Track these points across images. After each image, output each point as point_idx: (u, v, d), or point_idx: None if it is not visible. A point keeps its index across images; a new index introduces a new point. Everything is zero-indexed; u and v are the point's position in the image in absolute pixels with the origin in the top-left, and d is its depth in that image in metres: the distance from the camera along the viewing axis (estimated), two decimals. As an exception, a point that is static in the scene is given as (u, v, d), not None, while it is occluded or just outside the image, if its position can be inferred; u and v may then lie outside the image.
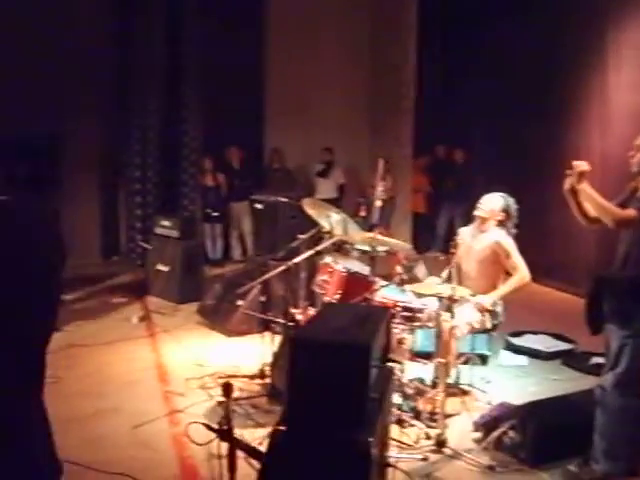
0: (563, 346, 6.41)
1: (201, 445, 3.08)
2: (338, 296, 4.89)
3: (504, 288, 5.14)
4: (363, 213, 5.61)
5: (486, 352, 5.97)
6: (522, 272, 5.12)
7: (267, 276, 5.21)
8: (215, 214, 10.09)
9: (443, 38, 10.67)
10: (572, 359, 6.15)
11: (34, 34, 9.14)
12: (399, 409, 4.75)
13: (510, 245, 5.16)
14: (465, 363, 5.40)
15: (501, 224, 5.23)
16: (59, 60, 9.55)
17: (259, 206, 7.83)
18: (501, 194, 5.32)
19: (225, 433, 2.60)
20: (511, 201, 5.29)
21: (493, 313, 5.16)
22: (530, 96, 9.12)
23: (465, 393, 5.20)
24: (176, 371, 5.89)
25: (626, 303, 3.74)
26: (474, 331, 5.12)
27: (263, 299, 5.95)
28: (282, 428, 2.45)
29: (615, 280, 3.80)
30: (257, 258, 7.31)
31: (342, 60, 11.10)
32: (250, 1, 10.78)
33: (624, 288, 3.74)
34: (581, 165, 3.71)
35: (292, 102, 10.92)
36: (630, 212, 3.64)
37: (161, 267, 8.22)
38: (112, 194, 10.60)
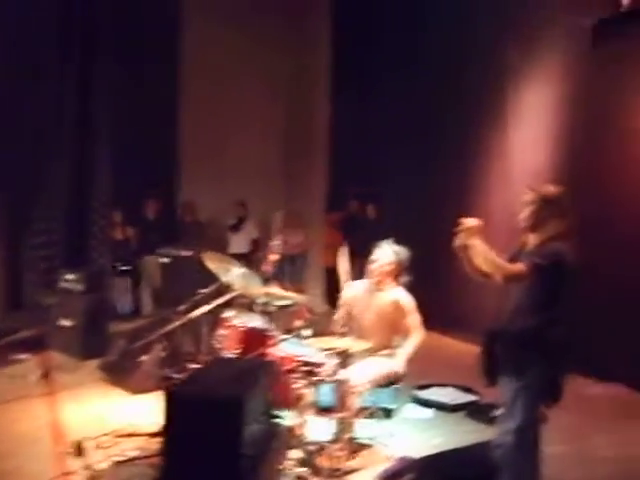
0: (467, 398, 6.45)
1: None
2: (237, 350, 4.82)
3: (408, 350, 5.15)
4: (267, 267, 5.58)
5: (390, 405, 5.98)
6: (421, 331, 5.15)
7: (163, 330, 5.10)
8: (124, 268, 9.89)
9: (356, 93, 10.82)
10: (476, 411, 6.20)
11: None
12: (300, 465, 4.68)
13: (410, 304, 5.20)
14: (369, 417, 5.39)
15: (395, 278, 5.26)
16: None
17: (165, 260, 7.72)
18: (392, 245, 5.34)
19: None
20: (402, 251, 5.32)
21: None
22: (433, 153, 9.33)
23: (367, 448, 5.15)
24: (74, 430, 5.66)
25: (517, 355, 3.79)
26: (377, 385, 5.10)
27: (163, 354, 5.80)
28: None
29: (506, 332, 3.85)
30: (160, 312, 7.18)
31: (258, 110, 11.18)
32: (164, 50, 10.76)
33: (515, 340, 3.79)
34: (469, 221, 3.79)
35: (206, 154, 10.91)
36: (518, 267, 3.73)
37: (64, 322, 7.98)
38: (16, 247, 10.27)
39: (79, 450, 2.60)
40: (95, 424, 5.73)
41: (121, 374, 6.80)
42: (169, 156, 10.97)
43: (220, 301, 4.87)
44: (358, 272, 10.71)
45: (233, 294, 4.97)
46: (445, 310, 9.16)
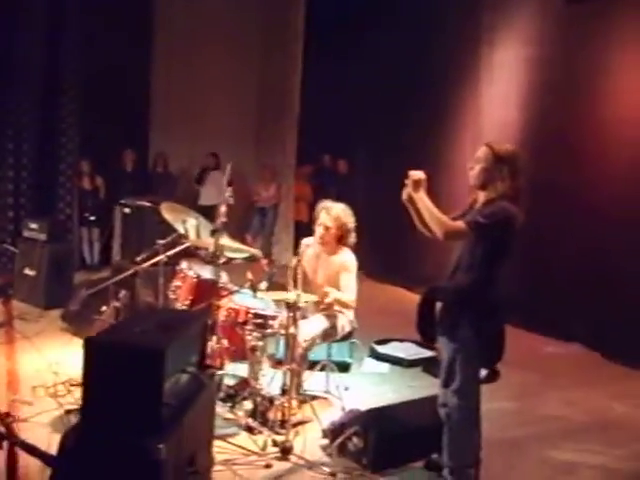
0: (425, 354, 6.49)
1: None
2: (188, 302, 4.82)
3: (339, 294, 5.07)
4: (224, 219, 5.54)
5: (346, 359, 6.03)
6: (351, 295, 5.10)
7: (112, 280, 5.08)
8: (92, 218, 9.82)
9: (328, 47, 10.70)
10: (432, 366, 6.22)
11: None
12: (250, 416, 4.73)
13: (353, 267, 5.16)
14: (322, 370, 5.43)
15: (340, 240, 5.21)
16: None
17: (127, 210, 7.66)
18: (334, 206, 5.23)
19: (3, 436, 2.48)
20: (344, 213, 5.21)
21: (347, 320, 5.17)
22: (406, 108, 9.29)
23: (318, 400, 5.19)
24: (28, 379, 5.67)
25: (452, 314, 3.74)
26: (327, 339, 5.11)
27: (118, 305, 5.78)
28: (73, 431, 2.35)
29: (443, 289, 3.80)
30: (120, 262, 7.14)
31: (230, 66, 11.07)
32: (138, 8, 10.59)
33: (450, 298, 3.75)
34: (417, 174, 3.68)
35: (179, 106, 10.83)
36: (459, 224, 3.62)
37: (28, 271, 7.94)
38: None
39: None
40: (49, 373, 5.73)
41: (81, 324, 6.78)
42: (142, 110, 10.84)
43: (173, 252, 4.83)
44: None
45: (185, 245, 4.94)
46: (413, 266, 9.21)
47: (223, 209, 4.73)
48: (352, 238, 5.23)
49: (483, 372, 6.09)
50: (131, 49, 10.35)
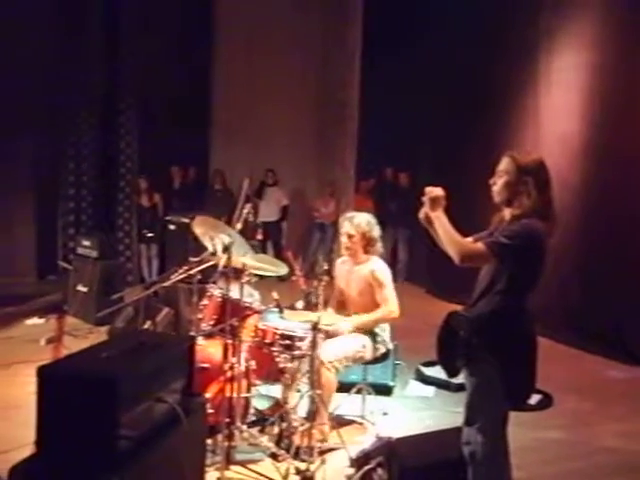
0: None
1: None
2: (212, 321, 4.69)
3: (365, 317, 4.86)
4: (259, 236, 5.41)
5: (388, 382, 5.78)
6: (390, 306, 4.86)
7: (136, 298, 4.98)
8: (150, 234, 9.87)
9: (388, 60, 10.50)
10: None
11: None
12: (275, 442, 4.55)
13: (384, 276, 4.94)
14: (357, 393, 5.20)
15: (365, 249, 5.02)
16: (5, 79, 9.41)
17: (171, 227, 7.63)
18: (357, 216, 5.09)
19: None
20: (366, 222, 5.03)
21: (377, 341, 4.94)
22: (468, 120, 9.01)
23: (354, 425, 4.98)
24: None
25: (473, 345, 3.31)
26: (359, 361, 4.88)
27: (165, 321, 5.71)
28: (23, 465, 2.21)
29: (462, 318, 3.39)
30: (152, 280, 7.10)
31: (289, 81, 11.01)
32: (197, 20, 10.67)
33: (470, 327, 3.32)
34: (434, 191, 3.35)
35: (238, 124, 10.80)
36: (478, 246, 3.26)
37: (80, 287, 8.01)
38: (49, 213, 10.39)
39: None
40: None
41: (126, 341, 6.77)
42: (201, 125, 10.89)
43: (199, 269, 4.69)
44: (391, 240, 10.60)
45: (210, 263, 4.80)
46: (471, 283, 8.86)
47: (239, 226, 4.58)
48: (378, 247, 5.03)
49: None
50: (190, 68, 10.44)
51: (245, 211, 4.57)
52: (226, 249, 4.23)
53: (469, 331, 3.32)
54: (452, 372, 3.50)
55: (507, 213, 3.41)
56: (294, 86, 11.09)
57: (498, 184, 3.41)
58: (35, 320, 7.99)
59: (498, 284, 3.33)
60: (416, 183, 10.60)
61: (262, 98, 10.88)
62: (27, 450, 4.35)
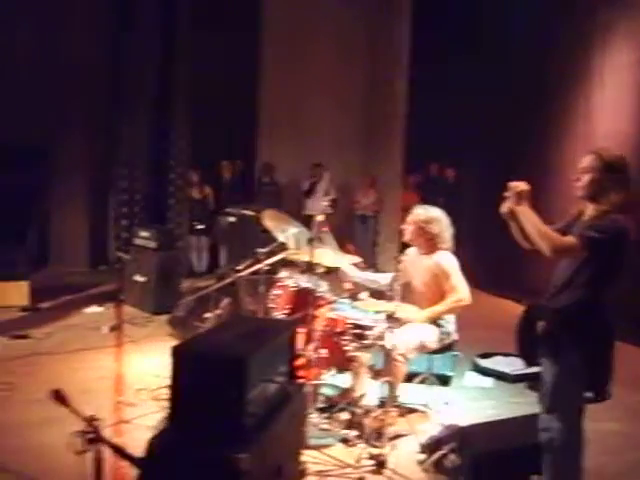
0: (530, 369, 6.26)
1: (79, 454, 2.97)
2: (286, 310, 4.84)
3: (439, 307, 4.97)
4: (325, 228, 5.54)
5: (447, 372, 5.90)
6: (459, 293, 4.95)
7: (210, 288, 5.16)
8: (200, 227, 10.07)
9: (437, 55, 10.59)
10: (537, 383, 6.00)
11: (27, 44, 9.24)
12: (346, 427, 4.70)
13: (450, 266, 5.03)
14: (422, 382, 5.33)
15: (429, 241, 5.11)
16: (51, 70, 9.65)
17: (232, 219, 7.80)
18: (421, 208, 5.18)
19: (94, 438, 2.54)
20: (427, 214, 5.12)
21: (442, 332, 5.06)
22: (517, 115, 9.06)
23: (416, 413, 5.11)
24: (133, 382, 5.84)
25: (556, 336, 3.46)
26: (425, 350, 5.01)
27: (220, 312, 5.87)
28: (159, 438, 2.38)
29: (544, 309, 3.52)
30: (223, 270, 7.27)
31: (336, 76, 11.11)
32: (245, 15, 10.82)
33: (556, 318, 3.46)
34: (519, 185, 3.47)
35: (285, 117, 10.94)
36: (569, 239, 3.37)
37: (138, 277, 8.21)
38: (101, 204, 10.64)
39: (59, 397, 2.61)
40: (156, 377, 5.88)
41: (187, 330, 6.94)
42: (249, 119, 11.04)
43: (271, 260, 4.86)
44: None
45: (283, 254, 4.96)
46: (521, 278, 8.96)
47: (320, 218, 4.72)
48: (444, 241, 5.10)
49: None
50: (239, 61, 10.60)
51: (325, 204, 4.71)
52: (311, 240, 4.35)
53: (553, 322, 3.46)
54: (531, 361, 3.65)
55: (591, 208, 3.51)
56: (341, 81, 11.19)
57: (583, 180, 3.51)
58: (94, 308, 8.20)
59: (581, 277, 3.44)
60: (463, 179, 10.72)
61: (308, 93, 11.01)
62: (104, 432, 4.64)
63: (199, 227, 10.08)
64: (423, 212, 5.16)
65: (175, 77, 9.95)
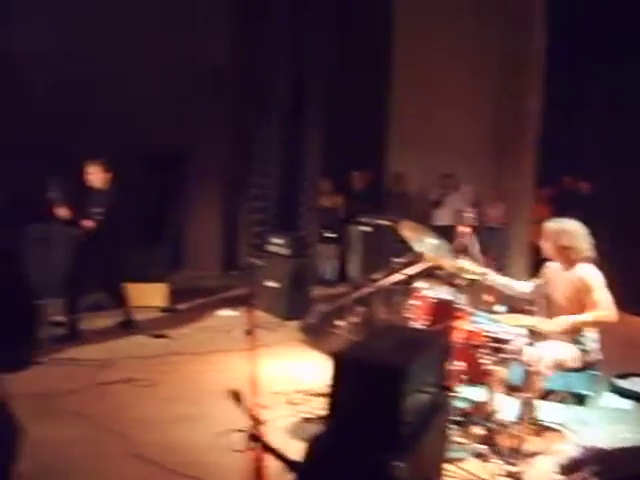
0: (672, 393, 6.01)
1: (240, 452, 3.08)
2: (425, 321, 4.84)
3: (582, 317, 4.81)
4: (468, 239, 5.52)
5: (585, 392, 5.72)
6: (602, 310, 4.80)
7: (349, 298, 5.21)
8: (331, 235, 10.20)
9: (570, 69, 10.34)
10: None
11: (164, 51, 9.67)
12: (481, 442, 4.65)
13: (593, 279, 4.87)
14: (560, 401, 5.21)
15: (567, 255, 4.97)
16: (187, 77, 10.04)
17: (366, 229, 7.87)
18: (557, 221, 5.05)
19: (256, 438, 2.63)
20: (561, 227, 4.98)
21: (582, 350, 4.92)
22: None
23: (553, 432, 4.99)
24: (267, 385, 5.98)
25: None
26: (565, 368, 4.90)
27: (357, 320, 5.94)
28: (317, 443, 2.45)
29: None
30: (358, 280, 7.34)
31: (467, 86, 10.97)
32: (377, 23, 10.89)
33: None
34: None
35: (415, 128, 10.92)
36: None
37: (270, 283, 8.40)
38: (234, 211, 10.97)
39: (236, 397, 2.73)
40: (289, 381, 6.01)
41: (318, 336, 7.06)
42: (378, 128, 11.10)
43: (411, 271, 4.88)
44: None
45: (423, 265, 4.97)
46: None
47: (465, 230, 4.70)
48: (582, 252, 4.95)
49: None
50: (370, 72, 10.69)
51: (469, 215, 4.69)
52: (461, 251, 4.35)
53: None
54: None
55: None
56: (471, 93, 11.06)
57: None
58: (228, 312, 8.46)
59: None
60: (598, 192, 10.40)
61: (439, 104, 10.94)
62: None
63: (329, 235, 10.21)
64: (556, 225, 5.05)
65: (308, 88, 10.12)
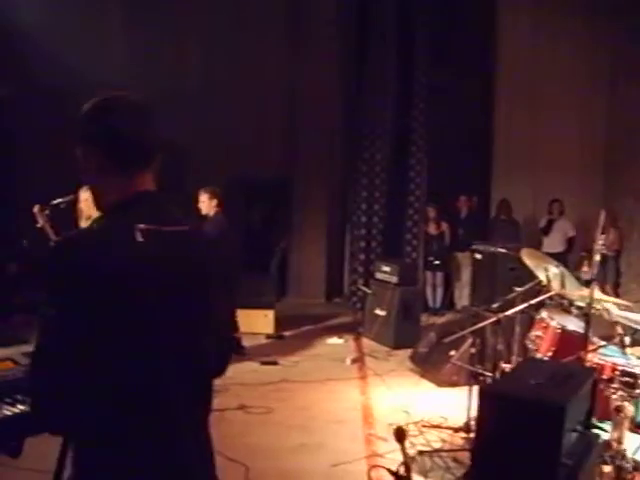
0: None
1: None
2: (551, 353, 4.65)
3: None
4: (585, 268, 5.31)
5: None
6: None
7: (474, 327, 5.06)
8: (437, 262, 10.05)
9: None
10: None
11: (273, 82, 9.82)
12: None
13: None
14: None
15: None
16: (291, 105, 10.16)
17: (478, 256, 7.68)
18: None
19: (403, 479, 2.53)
20: None
21: None
22: None
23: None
24: (381, 415, 5.89)
25: None
26: None
27: (473, 351, 5.76)
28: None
29: None
30: (471, 308, 7.15)
31: (575, 111, 10.70)
32: (479, 48, 10.76)
33: None
34: None
35: (521, 152, 10.72)
36: None
37: (379, 311, 8.31)
38: (338, 238, 10.96)
39: (400, 435, 2.61)
40: (401, 412, 5.89)
41: (430, 366, 6.90)
42: (484, 155, 10.93)
43: (537, 300, 4.70)
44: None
45: (550, 294, 4.78)
46: None
47: (597, 258, 4.49)
48: None
49: None
50: (473, 98, 10.57)
51: (601, 243, 4.49)
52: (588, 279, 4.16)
53: None
54: None
55: None
56: (580, 117, 10.77)
57: None
58: (335, 339, 8.41)
59: None
60: None
61: (546, 128, 10.68)
62: (358, 464, 4.70)
63: (435, 263, 10.06)
64: None
65: (414, 117, 10.06)
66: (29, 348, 2.97)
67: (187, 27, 10.02)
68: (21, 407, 2.12)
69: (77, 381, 1.65)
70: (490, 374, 5.09)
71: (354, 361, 7.52)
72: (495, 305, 5.40)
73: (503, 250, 6.88)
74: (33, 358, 1.72)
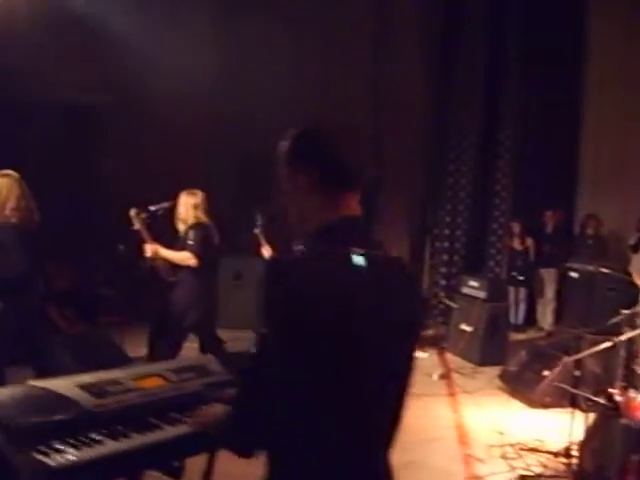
0: None
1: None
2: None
3: None
4: None
5: None
6: None
7: (588, 352, 4.92)
8: (520, 278, 9.88)
9: None
10: None
11: (363, 86, 9.81)
12: None
13: None
14: None
15: None
16: (377, 111, 10.12)
17: (574, 274, 7.49)
18: None
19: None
20: None
21: None
22: None
23: None
24: (476, 435, 5.80)
25: None
26: None
27: (578, 373, 5.61)
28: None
29: None
30: (569, 329, 6.97)
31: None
32: (567, 62, 10.57)
33: None
34: None
35: (608, 167, 10.44)
36: None
37: (465, 327, 8.21)
38: (419, 250, 10.86)
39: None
40: (495, 433, 5.79)
41: (521, 386, 6.78)
42: (570, 169, 10.70)
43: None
44: None
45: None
46: None
47: None
48: None
49: None
50: (560, 112, 10.37)
51: None
52: None
53: None
54: None
55: None
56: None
57: None
58: (420, 353, 8.32)
59: None
60: None
61: (635, 139, 10.40)
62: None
63: (519, 278, 9.89)
64: None
65: (501, 131, 9.93)
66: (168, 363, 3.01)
67: (279, 29, 10.08)
68: (182, 427, 2.13)
69: (281, 409, 1.66)
70: (597, 399, 4.95)
71: (442, 377, 7.45)
72: (598, 327, 5.24)
73: (606, 270, 6.67)
74: (243, 390, 1.73)
